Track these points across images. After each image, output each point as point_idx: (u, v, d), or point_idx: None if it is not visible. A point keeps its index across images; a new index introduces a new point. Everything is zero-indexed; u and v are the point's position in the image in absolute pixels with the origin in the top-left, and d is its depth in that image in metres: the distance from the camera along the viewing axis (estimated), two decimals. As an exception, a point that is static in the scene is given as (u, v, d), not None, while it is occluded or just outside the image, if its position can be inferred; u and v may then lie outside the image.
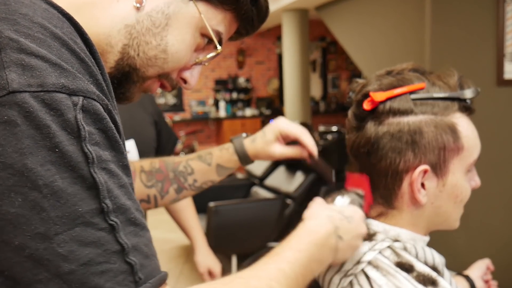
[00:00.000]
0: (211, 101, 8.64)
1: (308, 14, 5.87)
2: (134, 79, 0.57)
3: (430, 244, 0.74)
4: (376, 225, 0.70)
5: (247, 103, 8.93)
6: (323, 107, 8.67)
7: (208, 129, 8.72)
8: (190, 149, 6.41)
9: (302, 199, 3.10)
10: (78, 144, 0.38)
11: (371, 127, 0.67)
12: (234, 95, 8.78)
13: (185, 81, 0.63)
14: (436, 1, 2.88)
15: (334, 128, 3.88)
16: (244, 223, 2.91)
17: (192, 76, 0.62)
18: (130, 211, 0.41)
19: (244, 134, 0.92)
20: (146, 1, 0.55)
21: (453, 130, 0.65)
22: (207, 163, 0.91)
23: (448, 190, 0.67)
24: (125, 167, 0.43)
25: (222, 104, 8.61)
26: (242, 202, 3.15)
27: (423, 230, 0.71)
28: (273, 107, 8.86)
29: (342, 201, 0.69)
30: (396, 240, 0.68)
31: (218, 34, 0.61)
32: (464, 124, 0.66)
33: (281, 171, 3.56)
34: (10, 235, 0.36)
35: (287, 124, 0.87)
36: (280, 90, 8.29)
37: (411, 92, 0.66)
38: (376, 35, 3.97)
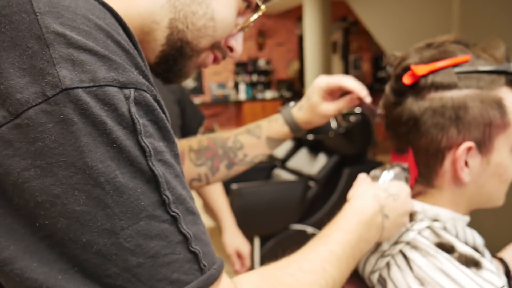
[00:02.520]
0: (231, 83, 8.62)
1: (329, -6, 5.75)
2: (188, 53, 0.56)
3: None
4: (414, 204, 0.67)
5: (267, 86, 8.88)
6: (344, 89, 8.57)
7: (228, 111, 8.71)
8: (210, 132, 6.42)
9: (325, 182, 3.07)
10: (134, 138, 0.38)
11: (411, 103, 0.64)
12: (254, 77, 8.73)
13: (231, 50, 0.62)
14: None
15: (357, 110, 3.82)
16: (267, 205, 2.90)
17: (237, 43, 0.61)
18: (186, 200, 0.41)
19: (292, 103, 0.89)
20: None
21: (499, 105, 0.62)
22: (256, 136, 0.89)
23: (492, 169, 0.64)
24: (177, 156, 0.43)
25: (242, 87, 8.58)
26: (264, 185, 3.14)
27: (464, 209, 0.68)
28: (294, 89, 8.79)
29: (387, 175, 0.67)
30: (435, 220, 0.65)
31: None
32: (511, 99, 0.63)
33: (303, 153, 3.53)
34: (77, 233, 0.36)
35: (326, 79, 0.83)
36: (301, 72, 8.21)
37: (455, 65, 0.62)
38: (401, 14, 3.87)
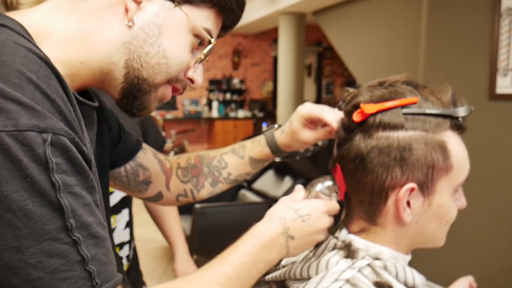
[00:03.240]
0: (204, 100, 8.62)
1: (305, 18, 5.86)
2: (146, 89, 0.64)
3: (414, 255, 0.72)
4: (357, 241, 0.67)
5: (240, 105, 8.92)
6: (316, 112, 8.68)
7: (200, 128, 8.68)
8: (181, 148, 6.38)
9: (290, 204, 3.08)
10: (46, 174, 0.45)
11: (360, 140, 0.65)
12: (228, 95, 8.76)
13: (192, 81, 0.69)
14: (432, 12, 2.87)
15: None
16: (230, 226, 2.88)
17: (197, 74, 0.69)
18: (91, 226, 0.48)
19: (276, 125, 0.91)
20: (136, 19, 0.62)
21: (443, 149, 0.63)
22: (240, 156, 0.93)
23: (433, 210, 0.65)
24: (91, 187, 0.50)
25: (215, 104, 8.59)
26: (229, 205, 3.13)
27: (406, 248, 0.68)
28: (266, 110, 8.84)
29: (321, 187, 0.72)
30: (377, 258, 0.65)
31: (208, 31, 0.67)
32: (455, 143, 0.64)
33: (269, 175, 3.54)
34: None
35: (308, 107, 0.83)
36: (274, 93, 8.28)
37: (403, 106, 0.63)
38: (371, 43, 3.97)
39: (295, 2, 5.11)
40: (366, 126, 0.64)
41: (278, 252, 0.66)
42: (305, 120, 0.84)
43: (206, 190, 0.93)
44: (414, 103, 0.64)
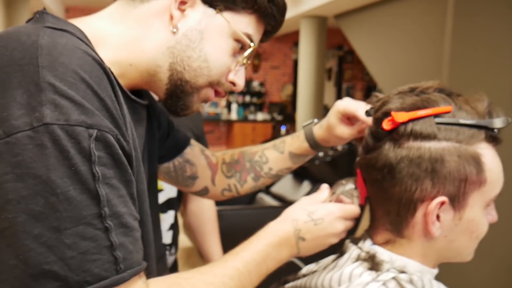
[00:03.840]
0: (223, 102, 8.63)
1: (326, 22, 5.82)
2: (188, 90, 0.69)
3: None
4: (382, 253, 0.65)
5: (259, 107, 8.91)
6: (336, 116, 8.61)
7: (219, 130, 8.70)
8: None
9: (308, 209, 3.05)
10: (89, 165, 0.50)
11: (389, 149, 0.62)
12: (247, 98, 8.76)
13: (234, 84, 0.73)
14: (458, 18, 2.82)
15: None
16: (248, 229, 2.86)
17: (238, 78, 0.73)
18: (123, 216, 0.53)
19: (315, 120, 0.93)
20: (180, 25, 0.67)
21: (477, 162, 0.60)
22: (280, 151, 0.95)
23: (464, 225, 0.62)
24: (128, 181, 0.55)
25: (234, 107, 8.60)
26: (247, 208, 3.11)
27: (433, 262, 0.66)
28: (285, 113, 8.81)
29: (342, 190, 0.73)
30: (402, 271, 0.63)
31: (248, 36, 0.70)
32: (489, 156, 0.61)
33: (288, 179, 3.51)
34: (31, 226, 0.48)
35: (345, 103, 0.84)
36: (294, 96, 8.25)
37: (436, 115, 0.61)
38: (394, 48, 3.92)
39: (317, 5, 5.08)
40: (396, 134, 0.62)
41: (289, 252, 0.69)
42: (341, 115, 0.84)
43: (249, 185, 0.97)
44: (448, 112, 0.61)
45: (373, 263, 0.64)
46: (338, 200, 0.75)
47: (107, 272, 0.50)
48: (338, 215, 0.70)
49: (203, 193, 0.98)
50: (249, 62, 0.74)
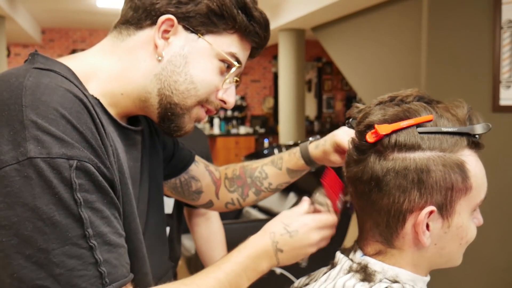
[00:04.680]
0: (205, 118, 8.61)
1: (304, 34, 5.89)
2: (179, 112, 0.73)
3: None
4: (373, 264, 0.65)
5: (241, 121, 8.92)
6: (318, 127, 8.67)
7: (202, 146, 8.66)
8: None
9: (295, 221, 3.04)
10: (70, 192, 0.56)
11: (374, 161, 0.62)
12: (229, 112, 8.76)
13: (224, 102, 0.77)
14: (432, 25, 2.88)
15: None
16: (235, 244, 2.85)
17: (228, 95, 0.76)
18: (106, 235, 0.59)
19: (311, 138, 0.97)
20: (165, 53, 0.71)
21: (461, 169, 0.60)
22: (278, 167, 1.00)
23: (453, 232, 0.63)
24: (110, 203, 0.61)
25: (216, 121, 8.59)
26: (233, 223, 3.09)
27: (424, 270, 0.66)
28: (268, 125, 8.84)
29: (316, 199, 0.78)
30: (395, 281, 0.63)
31: (233, 55, 0.74)
32: (473, 162, 0.62)
33: (273, 191, 3.51)
34: (23, 248, 0.54)
35: (341, 137, 0.87)
36: (275, 109, 8.29)
37: (418, 125, 0.61)
38: (371, 57, 3.98)
39: (295, 18, 5.14)
40: (381, 147, 0.62)
41: (269, 263, 0.74)
42: (336, 145, 0.88)
43: (251, 199, 1.02)
44: (430, 120, 0.62)
45: (366, 274, 0.64)
46: (316, 210, 0.78)
47: (93, 286, 0.56)
48: (312, 226, 0.74)
49: (208, 206, 1.03)
50: (237, 79, 0.77)
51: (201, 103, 0.75)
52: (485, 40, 2.56)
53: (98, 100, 0.69)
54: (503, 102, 2.55)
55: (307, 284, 0.75)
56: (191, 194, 1.00)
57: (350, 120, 0.73)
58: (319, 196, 0.78)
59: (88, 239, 0.56)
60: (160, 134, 0.91)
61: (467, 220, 0.63)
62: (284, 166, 0.99)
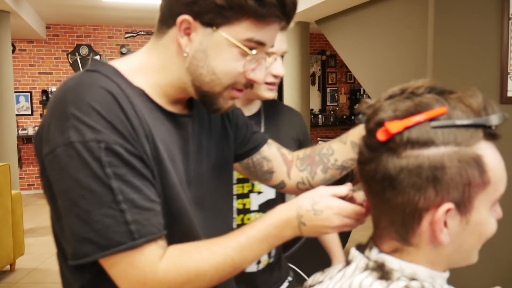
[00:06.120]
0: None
1: (308, 27, 5.85)
2: (211, 96, 0.83)
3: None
4: (390, 261, 0.64)
5: (245, 115, 8.88)
6: (322, 120, 8.64)
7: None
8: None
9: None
10: (101, 168, 0.70)
11: (386, 160, 0.60)
12: (233, 106, 8.73)
13: (253, 81, 0.83)
14: (439, 16, 2.85)
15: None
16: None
17: (255, 75, 0.82)
18: (136, 201, 0.72)
19: (368, 99, 0.97)
20: (188, 49, 0.79)
21: (479, 164, 0.58)
22: (343, 142, 1.03)
23: (471, 228, 0.61)
24: (139, 175, 0.74)
25: (220, 115, 8.56)
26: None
27: (442, 267, 0.65)
28: (272, 119, 8.79)
29: (360, 188, 0.77)
30: (413, 279, 0.62)
31: (250, 40, 0.78)
32: (490, 155, 0.59)
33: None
34: (74, 209, 0.71)
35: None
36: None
37: (431, 119, 0.59)
38: (377, 49, 3.95)
39: (299, 11, 5.10)
40: (393, 144, 0.60)
41: (292, 232, 0.80)
42: None
43: (319, 177, 1.06)
44: (443, 114, 0.59)
45: (383, 272, 0.63)
46: (351, 199, 0.80)
47: (125, 239, 0.70)
48: (336, 211, 0.78)
49: (281, 186, 1.09)
50: (266, 57, 0.83)
51: (229, 87, 0.82)
52: (493, 31, 2.53)
53: (143, 91, 0.81)
54: (511, 93, 2.53)
55: (321, 281, 0.74)
56: (263, 174, 1.07)
57: (360, 116, 0.71)
58: (361, 188, 0.78)
59: (119, 203, 0.70)
60: (231, 117, 1.02)
61: (486, 215, 0.61)
62: (349, 139, 1.01)
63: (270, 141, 1.09)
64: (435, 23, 2.87)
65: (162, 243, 0.75)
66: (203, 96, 0.83)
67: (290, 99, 5.92)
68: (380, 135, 0.60)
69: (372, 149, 0.63)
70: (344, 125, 8.49)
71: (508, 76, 2.52)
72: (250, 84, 0.84)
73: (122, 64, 0.82)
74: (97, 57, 7.52)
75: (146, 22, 7.29)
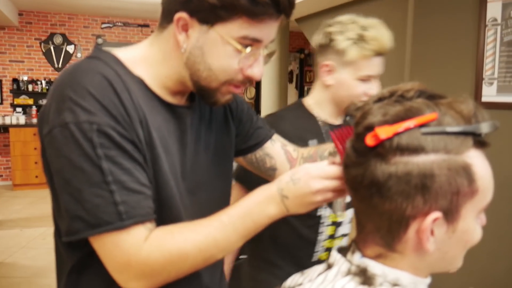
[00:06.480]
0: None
1: (288, 26, 5.85)
2: (208, 90, 0.84)
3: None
4: (373, 266, 0.63)
5: (222, 111, 8.84)
6: (298, 118, 8.66)
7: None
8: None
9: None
10: (93, 148, 0.72)
11: (374, 165, 0.59)
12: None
13: (250, 77, 0.83)
14: (418, 20, 2.89)
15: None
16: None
17: (251, 71, 0.83)
18: (126, 183, 0.73)
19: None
20: (186, 45, 0.81)
21: (468, 172, 0.57)
22: None
23: (458, 236, 0.60)
24: (130, 158, 0.75)
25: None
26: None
27: (425, 273, 0.65)
28: (249, 115, 8.78)
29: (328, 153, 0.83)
30: (396, 285, 0.61)
31: (245, 37, 0.78)
32: (479, 164, 0.59)
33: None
34: (66, 187, 0.73)
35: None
36: (257, 99, 8.24)
37: (421, 125, 0.58)
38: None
39: (279, 8, 5.08)
40: (382, 149, 0.58)
41: (277, 208, 0.77)
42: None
43: None
44: (433, 120, 0.58)
45: (365, 277, 0.62)
46: (334, 163, 0.77)
47: (113, 219, 0.72)
48: (313, 175, 0.76)
49: None
50: (262, 53, 0.83)
51: (225, 83, 0.83)
52: (470, 37, 2.58)
53: (142, 80, 0.83)
54: (485, 98, 2.57)
55: (300, 284, 0.73)
56: (266, 170, 1.09)
57: (347, 118, 0.70)
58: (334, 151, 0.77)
59: (109, 184, 0.72)
60: (235, 112, 1.04)
61: (472, 223, 0.61)
62: None
63: (275, 137, 1.10)
64: (414, 26, 2.91)
65: (150, 225, 0.76)
66: (200, 90, 0.84)
67: (268, 97, 5.91)
68: (369, 140, 0.59)
69: (359, 153, 0.62)
70: (320, 124, 8.52)
71: (483, 81, 2.56)
72: (247, 80, 0.84)
73: (123, 53, 0.85)
74: (72, 47, 7.35)
75: (124, 13, 7.15)
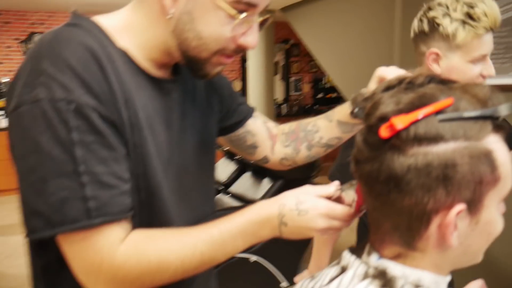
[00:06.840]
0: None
1: (273, 16, 5.78)
2: (198, 61, 0.77)
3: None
4: (393, 268, 0.58)
5: (209, 105, 8.76)
6: (285, 110, 8.62)
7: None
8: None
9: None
10: (68, 132, 0.63)
11: (391, 158, 0.54)
12: (196, 96, 8.59)
13: (243, 46, 0.77)
14: (407, 4, 2.84)
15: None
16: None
17: (246, 39, 0.76)
18: (100, 175, 0.65)
19: (364, 89, 0.90)
20: (173, 10, 0.73)
21: (489, 159, 0.53)
22: (329, 119, 0.99)
23: (481, 228, 0.56)
24: (110, 146, 0.67)
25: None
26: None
27: (447, 270, 0.60)
28: (236, 109, 8.72)
29: (349, 188, 0.73)
30: (418, 286, 0.56)
31: (239, 1, 0.71)
32: (500, 149, 0.55)
33: (246, 177, 3.43)
34: (29, 176, 0.64)
35: (382, 69, 0.88)
36: (243, 92, 8.18)
37: (438, 112, 0.53)
38: (343, 38, 3.93)
39: (263, -1, 5.01)
40: (398, 141, 0.54)
41: (271, 232, 0.73)
42: (379, 80, 0.87)
43: (303, 154, 1.02)
44: (450, 105, 0.54)
45: (385, 280, 0.57)
46: (338, 199, 0.74)
47: (80, 216, 0.63)
48: (322, 212, 0.71)
49: (264, 161, 1.05)
50: (256, 20, 0.77)
51: (217, 53, 0.76)
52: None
53: (125, 52, 0.74)
54: (477, 82, 2.54)
55: None
56: (247, 148, 1.03)
57: (356, 110, 0.65)
58: (350, 188, 0.72)
59: (80, 175, 0.63)
60: (217, 88, 0.96)
61: (495, 214, 0.57)
62: (335, 117, 0.97)
63: (256, 113, 1.04)
64: (403, 13, 2.86)
65: (126, 225, 0.68)
66: (189, 61, 0.77)
67: (255, 88, 5.85)
68: (384, 132, 0.54)
69: (372, 146, 0.57)
70: (308, 114, 8.50)
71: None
72: (241, 50, 0.77)
73: (105, 20, 0.76)
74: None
75: (107, 8, 7.01)
